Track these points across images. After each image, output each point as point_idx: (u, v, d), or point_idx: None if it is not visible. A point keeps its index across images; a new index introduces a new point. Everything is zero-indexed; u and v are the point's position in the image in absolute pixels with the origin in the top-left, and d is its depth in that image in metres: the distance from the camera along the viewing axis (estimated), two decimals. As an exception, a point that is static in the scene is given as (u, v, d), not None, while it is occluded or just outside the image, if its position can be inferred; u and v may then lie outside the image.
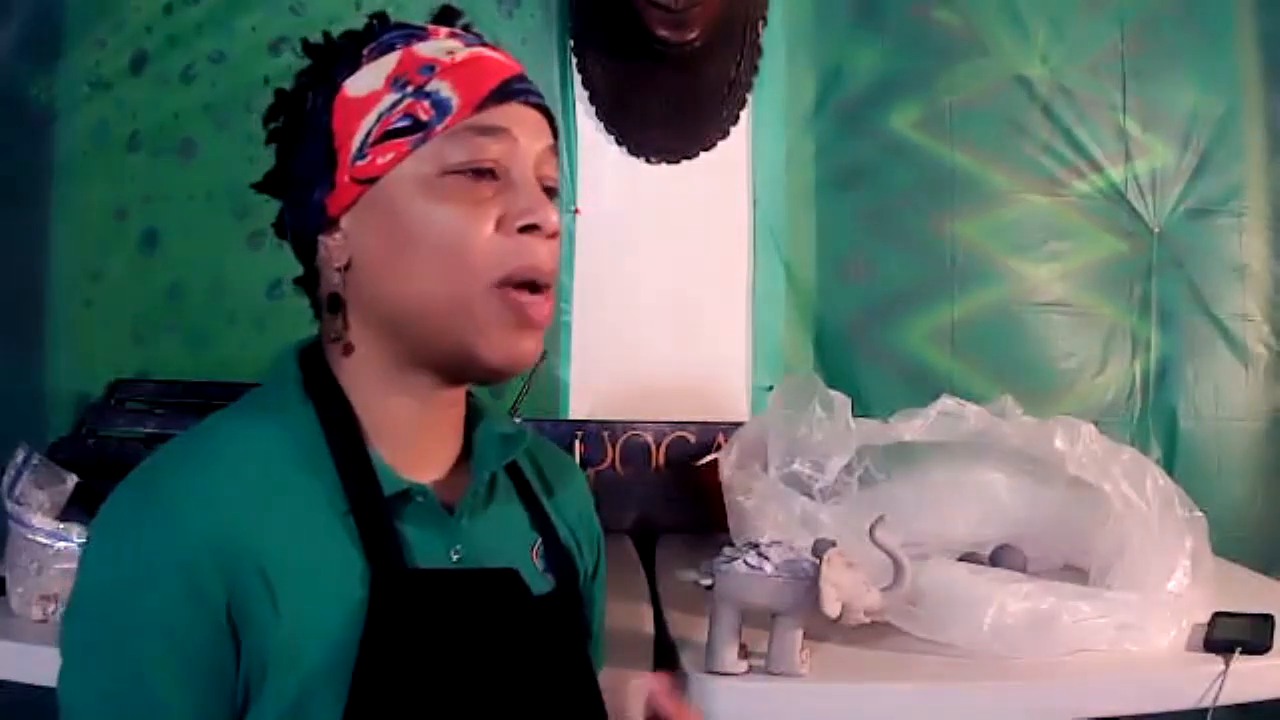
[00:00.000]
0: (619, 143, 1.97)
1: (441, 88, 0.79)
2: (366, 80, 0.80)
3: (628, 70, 1.94)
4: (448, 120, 0.78)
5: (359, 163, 0.79)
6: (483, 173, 0.79)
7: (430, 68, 0.79)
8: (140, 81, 1.89)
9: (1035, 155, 2.02)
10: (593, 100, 1.96)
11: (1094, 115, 2.03)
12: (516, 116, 0.80)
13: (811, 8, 2.01)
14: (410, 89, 0.79)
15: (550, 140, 0.83)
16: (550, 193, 0.82)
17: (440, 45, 0.81)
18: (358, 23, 0.85)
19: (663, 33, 1.80)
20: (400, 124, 0.78)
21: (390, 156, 0.78)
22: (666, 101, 1.96)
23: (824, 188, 2.01)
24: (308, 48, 0.84)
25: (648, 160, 1.98)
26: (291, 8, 1.90)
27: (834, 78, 2.01)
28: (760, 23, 1.99)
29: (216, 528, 0.73)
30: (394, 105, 0.79)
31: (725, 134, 1.99)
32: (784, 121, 2.01)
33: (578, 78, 1.96)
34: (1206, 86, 2.05)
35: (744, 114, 1.99)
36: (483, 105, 0.79)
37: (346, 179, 0.80)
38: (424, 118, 0.78)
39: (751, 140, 2.00)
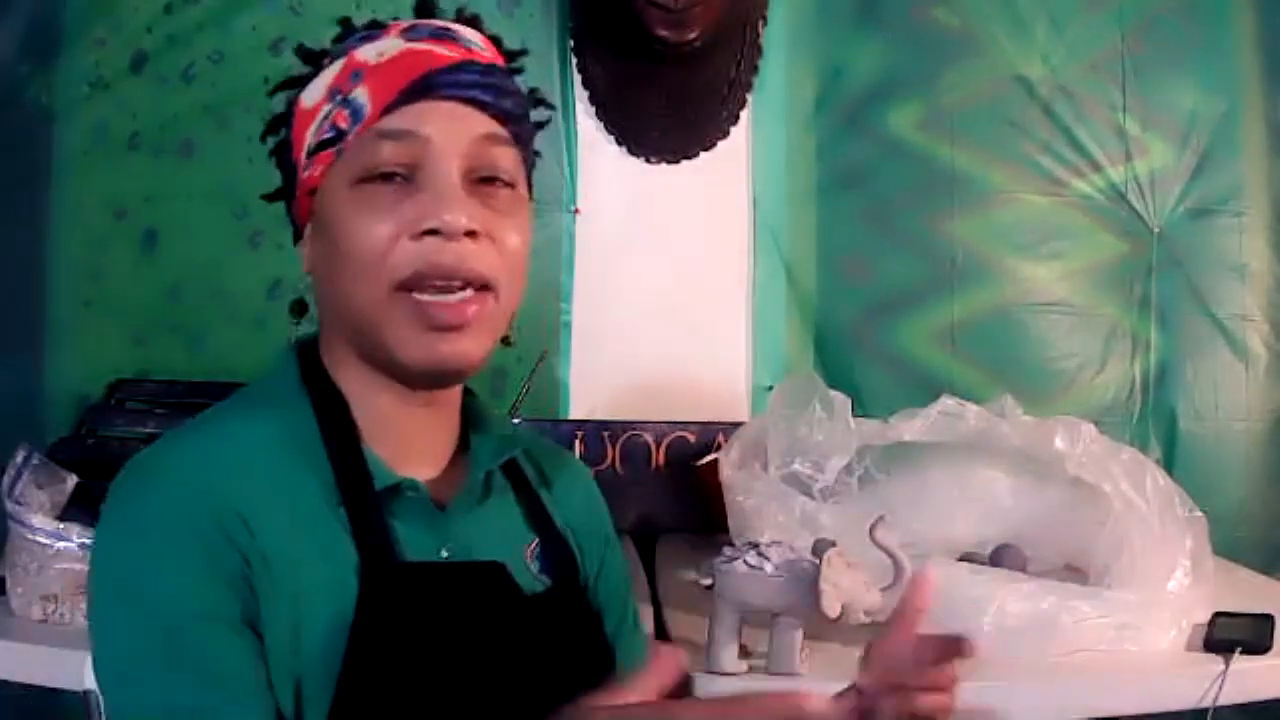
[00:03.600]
0: (619, 143, 1.97)
1: (360, 93, 0.78)
2: (314, 91, 0.81)
3: (628, 70, 1.94)
4: (359, 127, 0.78)
5: (303, 175, 0.81)
6: (388, 177, 0.77)
7: (358, 73, 0.79)
8: (140, 81, 1.89)
9: (1035, 155, 2.02)
10: (593, 100, 1.96)
11: (1094, 115, 2.03)
12: (430, 114, 0.77)
13: (811, 8, 2.01)
14: (339, 97, 0.79)
15: (489, 129, 0.79)
16: (490, 180, 0.79)
17: (378, 46, 0.80)
18: (358, 22, 0.84)
19: (663, 33, 1.80)
20: (327, 135, 0.79)
21: (320, 169, 0.79)
22: (666, 101, 1.96)
23: (824, 188, 2.01)
24: (301, 54, 0.84)
25: (648, 160, 1.98)
26: (291, 8, 1.89)
27: (834, 78, 2.01)
28: (760, 23, 1.99)
29: (221, 503, 0.73)
30: (326, 116, 0.79)
31: (725, 134, 1.99)
32: (784, 121, 2.01)
33: (578, 78, 1.96)
34: (1206, 86, 2.05)
35: (744, 114, 1.99)
36: (390, 107, 0.77)
37: (300, 191, 0.82)
38: (344, 126, 0.78)
39: (751, 140, 2.00)
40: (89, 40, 1.88)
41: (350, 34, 0.83)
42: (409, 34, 0.80)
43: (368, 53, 0.79)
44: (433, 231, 0.76)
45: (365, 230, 0.76)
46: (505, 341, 0.83)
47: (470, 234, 0.76)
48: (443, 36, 0.80)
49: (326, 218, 0.80)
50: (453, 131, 0.78)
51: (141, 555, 0.73)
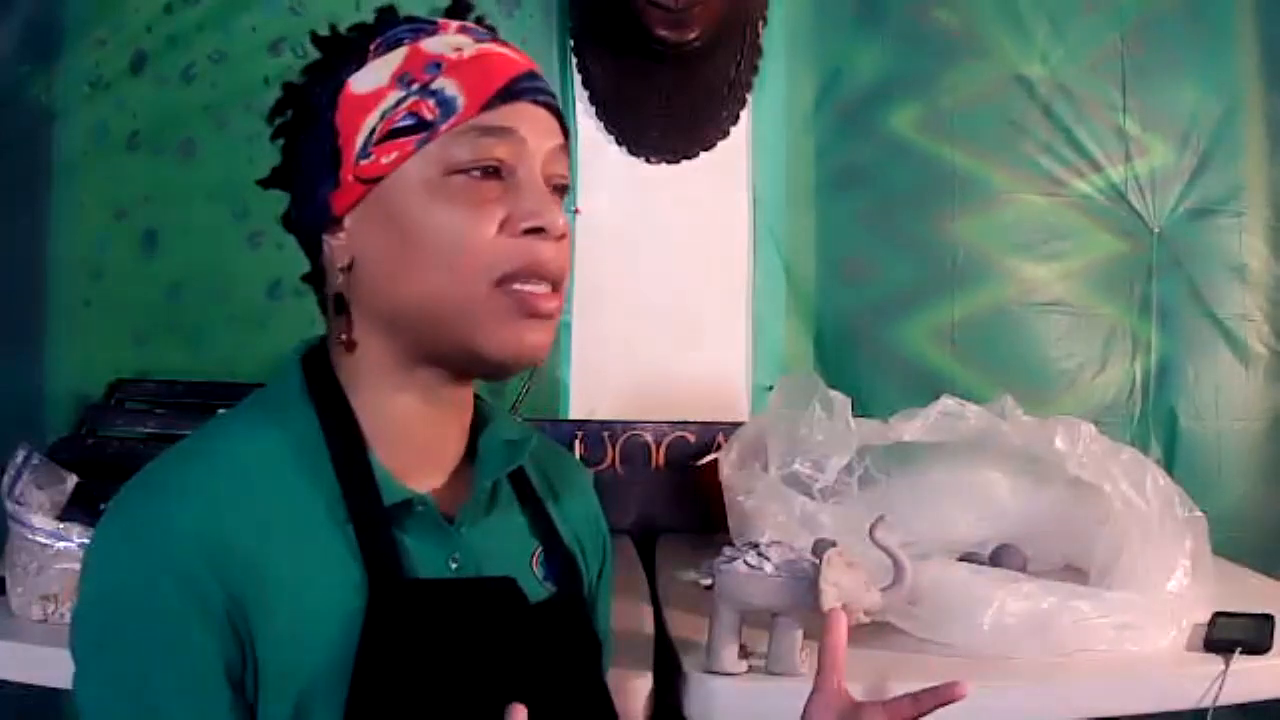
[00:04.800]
0: (619, 143, 1.97)
1: (447, 86, 0.77)
2: (371, 77, 0.79)
3: (628, 70, 1.94)
4: (453, 119, 0.77)
5: (363, 162, 0.78)
6: (488, 173, 0.77)
7: (437, 65, 0.78)
8: (140, 81, 1.89)
9: (1035, 155, 2.02)
10: (593, 100, 1.96)
11: (1094, 115, 2.03)
12: (524, 115, 0.79)
13: (811, 8, 2.01)
14: (415, 87, 0.78)
15: (560, 139, 0.82)
16: (561, 190, 0.81)
17: (448, 41, 0.80)
18: (354, 22, 0.84)
19: (663, 33, 1.80)
20: (404, 123, 0.77)
21: (394, 156, 0.77)
22: (666, 101, 1.96)
23: (824, 188, 2.01)
24: (315, 40, 0.83)
25: (648, 160, 1.98)
26: (291, 8, 1.89)
27: (834, 78, 2.01)
28: (760, 23, 1.99)
29: (210, 531, 0.73)
30: (398, 103, 0.77)
31: (725, 134, 1.98)
32: (784, 121, 2.01)
33: (578, 78, 1.96)
34: (1206, 86, 2.05)
35: (744, 114, 1.99)
36: (489, 104, 0.77)
37: (350, 178, 0.79)
38: (429, 117, 0.77)
39: (751, 140, 2.00)
40: (89, 40, 1.88)
41: (393, 24, 0.82)
42: (473, 35, 0.81)
43: (439, 46, 0.79)
44: (534, 230, 0.77)
45: (466, 223, 0.77)
46: None
47: (560, 236, 0.79)
48: (500, 41, 0.82)
49: (403, 208, 0.78)
50: (541, 136, 0.80)
51: (118, 602, 0.72)
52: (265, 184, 0.86)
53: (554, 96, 0.82)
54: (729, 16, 1.88)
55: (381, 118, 0.78)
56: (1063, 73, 2.02)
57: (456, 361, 0.80)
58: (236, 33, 1.89)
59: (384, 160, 0.77)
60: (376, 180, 0.78)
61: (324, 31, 0.84)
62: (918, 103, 2.01)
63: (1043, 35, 2.02)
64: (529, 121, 0.79)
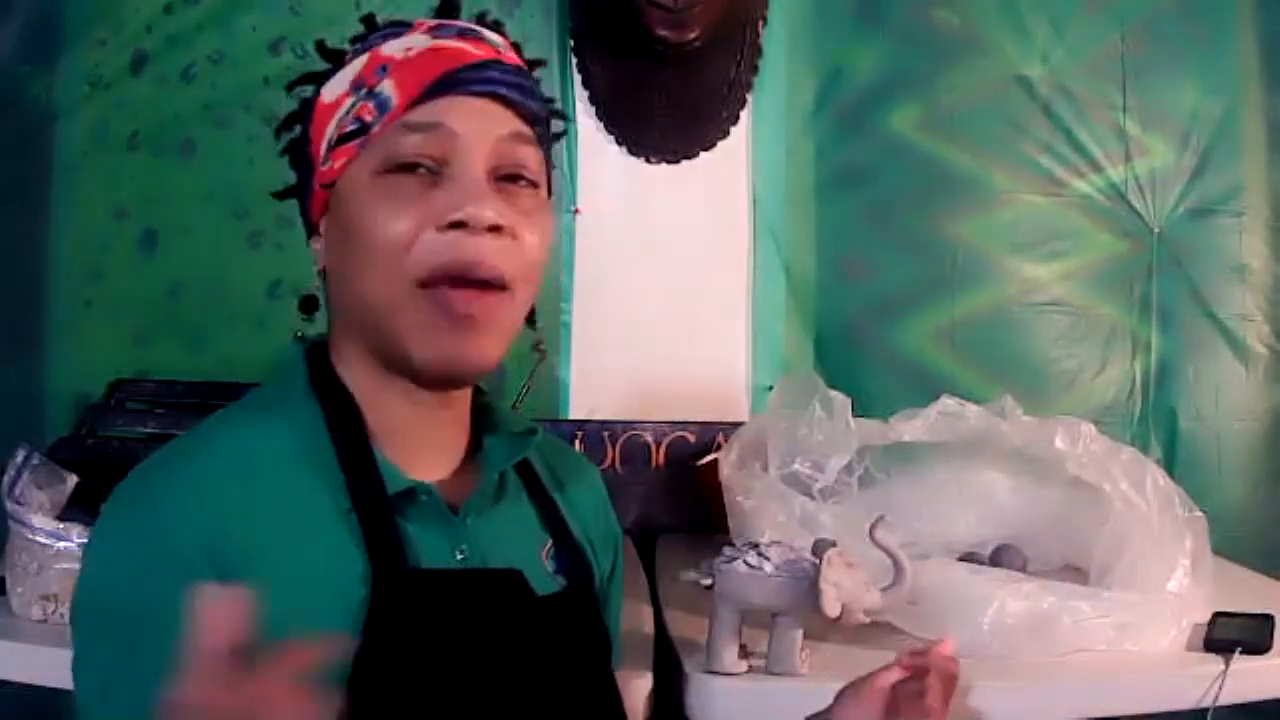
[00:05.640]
0: (619, 143, 1.97)
1: (386, 87, 0.78)
2: (336, 85, 0.81)
3: (628, 70, 1.94)
4: (385, 119, 0.77)
5: (323, 168, 0.80)
6: (413, 169, 0.77)
7: (384, 67, 0.79)
8: (140, 81, 1.89)
9: (1035, 155, 2.02)
10: (593, 100, 1.96)
11: (1094, 115, 2.03)
12: (457, 108, 0.78)
13: (811, 8, 2.01)
14: (364, 91, 0.79)
15: (515, 127, 0.80)
16: (514, 179, 0.79)
17: (405, 42, 0.80)
18: (357, 22, 0.85)
19: (663, 33, 1.80)
20: (351, 128, 0.78)
21: (342, 161, 0.79)
22: (666, 101, 1.96)
23: (824, 188, 2.01)
24: (321, 51, 0.85)
25: (648, 160, 1.98)
26: (291, 7, 1.89)
27: (834, 78, 2.01)
28: (760, 23, 1.98)
29: (208, 521, 0.73)
30: (349, 109, 0.79)
31: (725, 134, 1.98)
32: (784, 121, 2.01)
33: (578, 78, 1.96)
34: (1206, 86, 2.05)
35: (744, 114, 1.99)
36: (417, 101, 0.77)
37: (318, 185, 0.81)
38: (368, 119, 0.78)
39: (751, 140, 2.00)
40: (89, 40, 1.88)
41: (373, 31, 0.83)
42: (436, 32, 0.81)
43: (394, 48, 0.80)
44: (458, 225, 0.75)
45: (387, 221, 0.76)
46: (539, 351, 0.83)
47: (494, 229, 0.76)
48: (469, 35, 0.81)
49: (346, 211, 0.79)
50: (481, 127, 0.78)
51: (114, 589, 0.73)
52: (281, 196, 0.88)
53: (511, 85, 0.80)
54: (729, 16, 1.88)
55: (337, 125, 0.79)
56: (1063, 73, 2.02)
57: (402, 369, 0.79)
58: (236, 33, 1.89)
59: (335, 166, 0.79)
60: (330, 186, 0.80)
61: (323, 33, 0.85)
62: (918, 103, 2.01)
63: (1043, 35, 2.02)
64: (464, 113, 0.78)
